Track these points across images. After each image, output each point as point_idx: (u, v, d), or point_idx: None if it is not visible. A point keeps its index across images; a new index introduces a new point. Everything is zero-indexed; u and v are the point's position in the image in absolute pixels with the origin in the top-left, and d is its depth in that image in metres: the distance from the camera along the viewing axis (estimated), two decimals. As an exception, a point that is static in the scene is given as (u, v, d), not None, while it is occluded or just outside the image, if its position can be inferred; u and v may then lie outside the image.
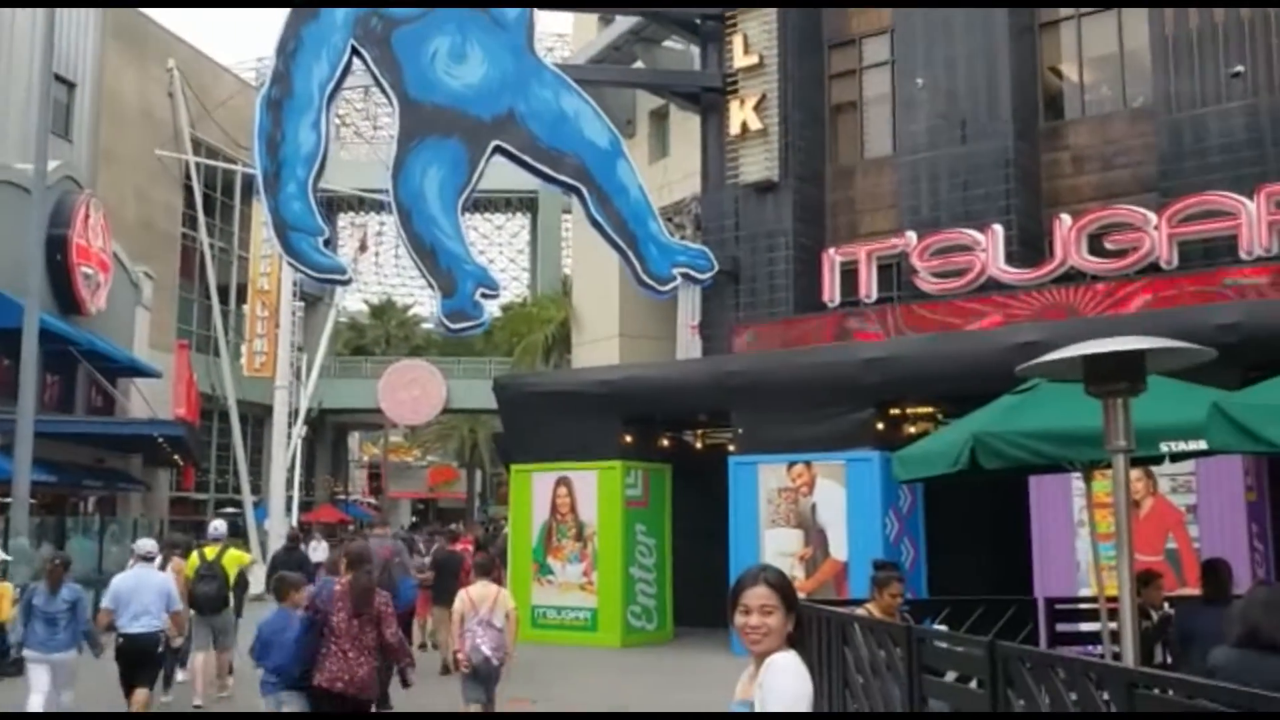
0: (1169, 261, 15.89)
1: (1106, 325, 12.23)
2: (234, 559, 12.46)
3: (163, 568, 11.13)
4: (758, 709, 3.18)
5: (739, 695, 3.33)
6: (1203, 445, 5.74)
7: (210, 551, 12.10)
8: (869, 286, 19.08)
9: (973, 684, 5.56)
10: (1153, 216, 16.08)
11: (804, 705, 3.16)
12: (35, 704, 8.97)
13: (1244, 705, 3.80)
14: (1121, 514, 5.38)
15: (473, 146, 19.04)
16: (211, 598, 11.65)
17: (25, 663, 9.51)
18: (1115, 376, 5.27)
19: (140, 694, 9.50)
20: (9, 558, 12.03)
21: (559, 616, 16.56)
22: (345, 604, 7.17)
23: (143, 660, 9.57)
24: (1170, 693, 4.26)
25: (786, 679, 3.20)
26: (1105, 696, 4.38)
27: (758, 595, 3.25)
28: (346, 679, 7.02)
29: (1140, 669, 4.80)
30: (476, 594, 8.73)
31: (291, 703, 7.28)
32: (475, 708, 8.59)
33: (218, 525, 13.43)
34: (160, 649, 9.93)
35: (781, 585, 3.28)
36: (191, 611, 11.45)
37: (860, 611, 7.04)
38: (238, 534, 27.82)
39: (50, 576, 9.38)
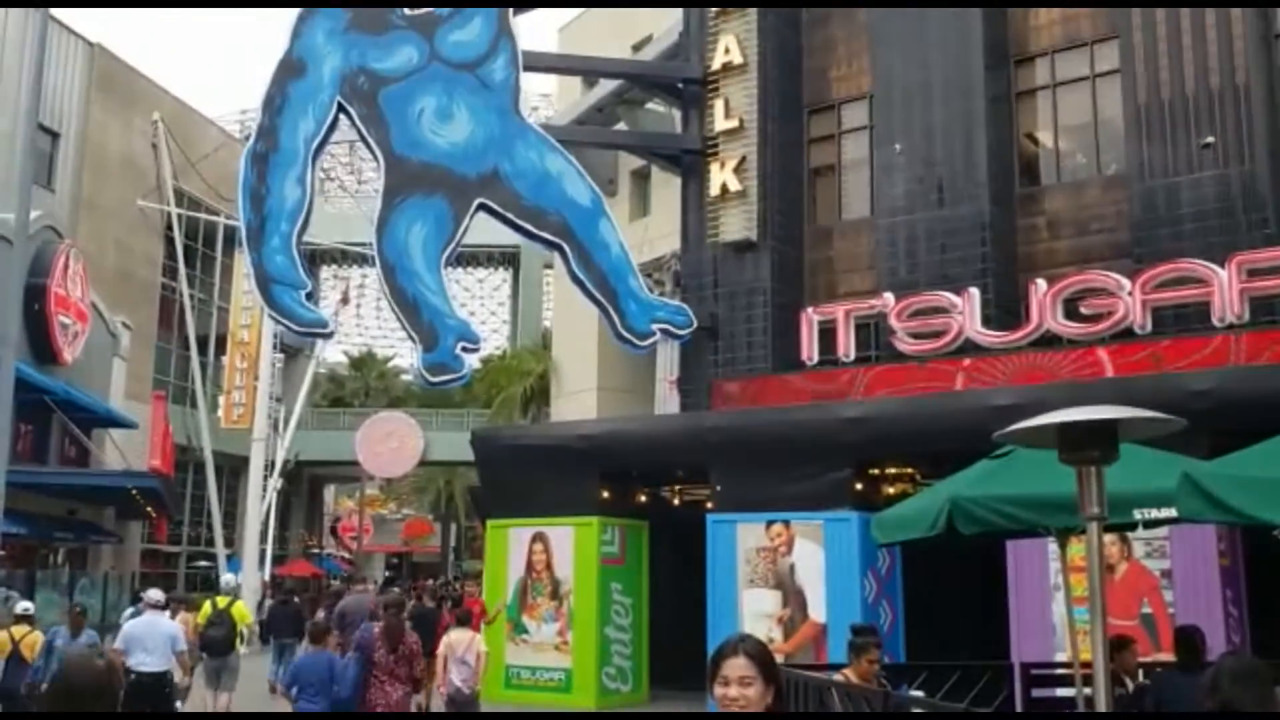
0: (1143, 326, 16.10)
1: (1082, 391, 12.37)
2: (240, 611, 14.15)
3: (173, 617, 12.45)
4: None
5: None
6: (1174, 513, 5.81)
7: (221, 601, 14.00)
8: (847, 346, 19.23)
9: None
10: (1126, 282, 16.31)
11: None
12: None
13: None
14: (1095, 580, 5.42)
15: (457, 204, 19.17)
16: (220, 641, 13.25)
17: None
18: (1088, 445, 5.34)
19: None
20: (31, 606, 12.76)
21: (533, 677, 16.41)
22: (382, 642, 8.92)
23: (152, 697, 10.50)
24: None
25: None
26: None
27: (737, 666, 3.23)
28: (384, 704, 8.74)
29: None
30: (455, 638, 10.92)
31: None
32: None
33: (228, 579, 15.94)
34: (168, 689, 10.99)
35: (760, 656, 3.27)
36: (202, 654, 13.01)
37: (838, 677, 7.05)
38: (210, 587, 27.53)
39: (72, 622, 11.55)
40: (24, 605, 12.60)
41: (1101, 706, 5.30)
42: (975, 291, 17.82)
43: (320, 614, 15.66)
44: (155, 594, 12.46)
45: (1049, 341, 17.02)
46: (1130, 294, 16.17)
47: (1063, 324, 16.83)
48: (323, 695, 8.77)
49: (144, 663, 10.73)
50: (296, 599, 19.27)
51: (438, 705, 11.27)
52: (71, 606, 12.66)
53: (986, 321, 17.67)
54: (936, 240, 18.89)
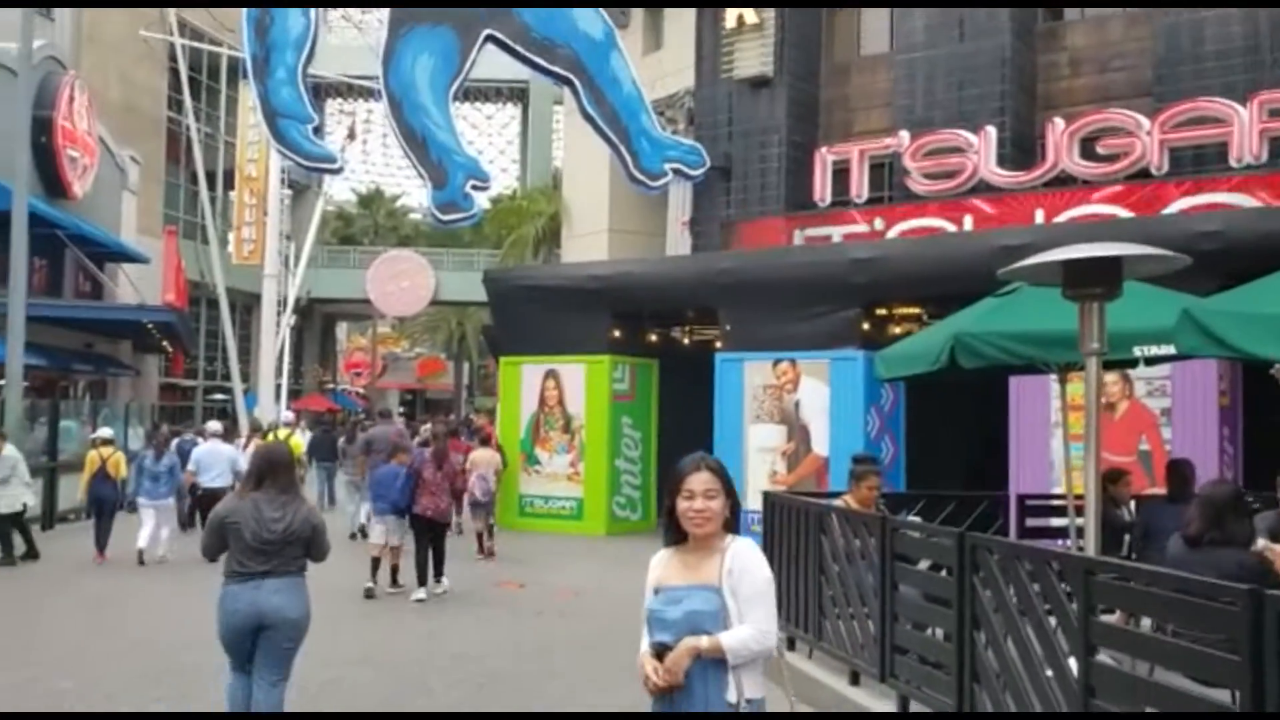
0: (1159, 167, 15.94)
1: (1091, 230, 12.33)
2: (295, 442, 16.11)
3: (246, 446, 15.32)
4: (731, 592, 3.27)
5: (681, 580, 3.32)
6: (1173, 349, 5.92)
7: (282, 433, 16.49)
8: (860, 186, 19.09)
9: (942, 572, 5.84)
10: (1145, 121, 16.06)
11: (772, 587, 3.34)
12: (143, 537, 12.80)
13: (1191, 591, 4.06)
14: (1091, 414, 5.58)
15: (464, 35, 18.77)
16: None
17: (138, 507, 13.28)
18: (1092, 281, 5.42)
19: None
20: (110, 431, 14.91)
21: (546, 505, 16.95)
22: (431, 462, 11.15)
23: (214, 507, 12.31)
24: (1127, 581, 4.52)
25: (759, 561, 3.35)
26: (1066, 588, 4.64)
27: (701, 480, 3.32)
28: (433, 509, 11.02)
29: (1097, 558, 5.05)
30: (477, 457, 14.15)
31: (391, 522, 11.16)
32: (479, 525, 14.04)
33: (286, 414, 19.54)
34: None
35: (721, 471, 3.38)
36: None
37: (838, 503, 7.29)
38: (228, 418, 28.14)
39: (156, 447, 13.70)
40: (105, 431, 14.85)
41: (1091, 533, 5.53)
42: (992, 130, 17.57)
43: (356, 440, 16.82)
44: (215, 425, 15.81)
45: (1063, 182, 16.88)
46: (1149, 133, 15.94)
47: (1079, 164, 16.65)
48: (387, 499, 11.07)
49: (211, 480, 13.61)
50: (331, 431, 21.84)
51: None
52: (156, 433, 15.58)
53: (1001, 161, 17.48)
54: (955, 76, 18.51)
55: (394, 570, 11.34)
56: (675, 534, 3.40)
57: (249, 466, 5.92)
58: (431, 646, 8.76)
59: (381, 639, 9.01)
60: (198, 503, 14.02)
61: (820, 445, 14.61)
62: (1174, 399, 11.61)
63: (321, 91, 44.10)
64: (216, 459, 13.94)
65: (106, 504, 13.40)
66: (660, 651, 3.24)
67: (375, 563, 11.26)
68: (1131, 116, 16.30)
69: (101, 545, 13.18)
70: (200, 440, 15.76)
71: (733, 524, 3.38)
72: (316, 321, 50.12)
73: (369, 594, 10.93)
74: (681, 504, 3.33)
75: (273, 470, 5.58)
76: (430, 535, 11.08)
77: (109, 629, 9.41)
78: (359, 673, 7.67)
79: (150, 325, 27.24)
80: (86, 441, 16.27)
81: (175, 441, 15.76)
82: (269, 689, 5.39)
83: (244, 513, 5.44)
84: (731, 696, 3.24)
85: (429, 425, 16.85)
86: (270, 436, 15.30)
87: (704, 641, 3.20)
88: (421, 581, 10.91)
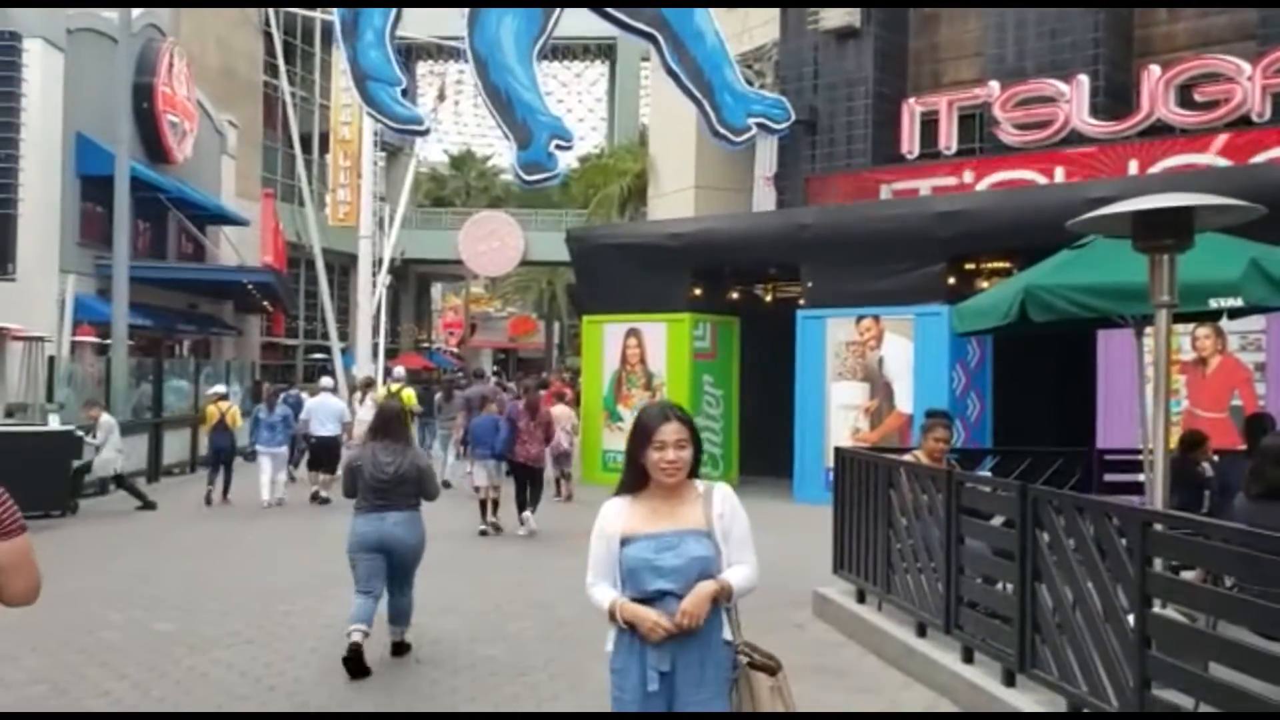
0: (1261, 114, 15.34)
1: (1181, 181, 11.96)
2: (408, 396, 16.81)
3: (362, 400, 16.98)
4: (722, 534, 3.33)
5: (664, 527, 3.31)
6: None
7: (394, 388, 17.31)
8: (949, 138, 18.75)
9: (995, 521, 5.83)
10: (1247, 66, 15.44)
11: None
12: (265, 483, 14.40)
13: (1250, 545, 4.01)
14: (1160, 368, 5.50)
15: (549, -7, 18.81)
16: None
17: (257, 455, 15.03)
18: (1162, 233, 5.31)
19: (324, 476, 14.73)
20: (224, 388, 16.66)
21: (629, 461, 17.13)
22: (525, 414, 12.52)
23: (325, 454, 15.03)
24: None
25: (738, 503, 3.43)
26: (1124, 542, 4.61)
27: (673, 431, 3.33)
28: (527, 456, 12.36)
29: (1153, 510, 5.00)
30: (558, 412, 14.69)
31: (491, 466, 12.50)
32: (556, 472, 14.89)
33: (399, 371, 19.77)
34: (337, 446, 15.00)
35: (689, 420, 3.41)
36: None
37: (908, 457, 7.29)
38: (329, 375, 28.95)
39: (268, 401, 15.48)
40: (219, 388, 16.47)
41: (1158, 486, 5.46)
42: (1084, 79, 17.08)
43: (453, 397, 17.65)
44: (326, 380, 17.85)
45: (1158, 131, 16.35)
46: (1250, 79, 15.34)
47: (1175, 112, 16.11)
48: (487, 446, 12.47)
49: (321, 429, 15.12)
50: (430, 388, 23.10)
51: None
52: (267, 392, 17.40)
53: (1094, 111, 16.99)
54: (1047, 24, 18.00)
55: (494, 506, 12.57)
56: (637, 483, 3.40)
57: (371, 421, 7.42)
58: (514, 595, 9.03)
59: (469, 589, 9.25)
60: (311, 450, 15.62)
61: (904, 402, 14.51)
62: (1269, 353, 11.27)
63: (412, 54, 44.59)
64: (327, 411, 15.43)
65: (224, 452, 14.95)
66: (652, 599, 3.23)
67: (483, 505, 12.57)
68: (1232, 62, 15.69)
69: (225, 489, 14.80)
70: (305, 396, 17.62)
71: (695, 469, 3.41)
72: (412, 282, 51.01)
73: (483, 533, 12.28)
74: (654, 455, 3.33)
75: (385, 424, 6.98)
76: (527, 478, 12.52)
77: (214, 573, 9.90)
78: (442, 621, 7.90)
79: (250, 286, 28.12)
80: (203, 397, 17.80)
81: (282, 395, 17.24)
82: (399, 597, 6.88)
83: (365, 458, 6.79)
84: (728, 635, 3.32)
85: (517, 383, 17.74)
86: (384, 392, 17.11)
87: (718, 585, 3.24)
88: (521, 513, 12.37)
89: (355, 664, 6.37)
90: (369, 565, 6.61)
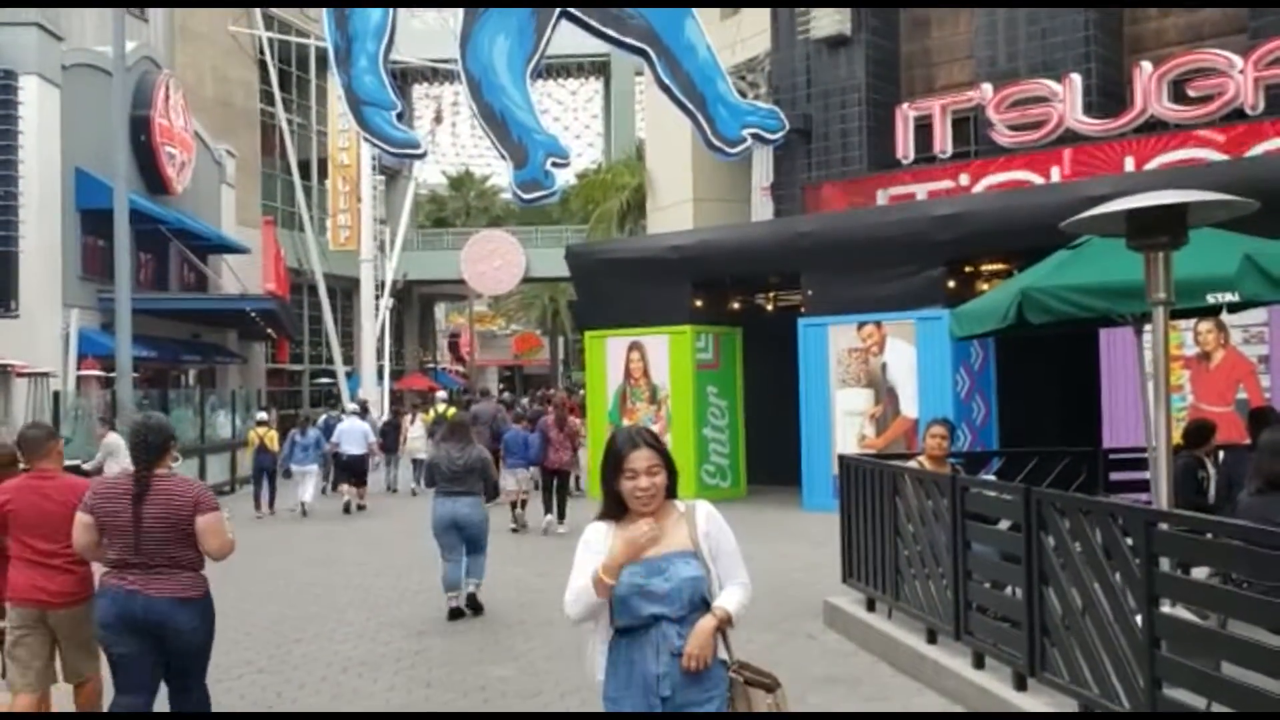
0: (1254, 107, 15.34)
1: (1179, 177, 11.96)
2: (451, 413, 17.10)
3: (412, 421, 20.44)
4: (710, 553, 3.27)
5: (654, 550, 3.20)
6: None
7: (441, 408, 19.96)
8: (944, 141, 18.77)
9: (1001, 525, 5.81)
10: (1238, 60, 15.45)
11: None
12: (304, 493, 16.42)
13: (1253, 540, 4.00)
14: (1159, 365, 5.50)
15: (539, 12, 18.89)
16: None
17: (292, 472, 16.75)
18: (1156, 230, 5.31)
19: (352, 490, 17.00)
20: (265, 416, 18.47)
21: (636, 475, 17.10)
22: (555, 426, 14.22)
23: (354, 470, 17.15)
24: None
25: (722, 520, 3.38)
26: (1130, 542, 4.60)
27: (643, 458, 3.25)
28: (558, 461, 14.05)
29: (1157, 509, 4.99)
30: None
31: (521, 474, 14.26)
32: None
33: (442, 394, 23.24)
34: (364, 465, 17.25)
35: (659, 444, 3.33)
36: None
37: (912, 464, 7.29)
38: (333, 399, 28.99)
39: (301, 426, 17.20)
40: (261, 414, 18.52)
41: (1161, 483, 5.45)
42: (1077, 78, 17.10)
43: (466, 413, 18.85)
44: (354, 404, 20.39)
45: (1153, 127, 16.36)
46: (1242, 72, 15.34)
47: (1169, 108, 16.12)
48: (519, 456, 14.20)
49: (350, 449, 17.12)
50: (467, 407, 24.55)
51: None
52: (301, 417, 18.85)
53: (1088, 109, 17.01)
54: (1037, 24, 18.02)
55: (521, 504, 14.27)
56: (616, 510, 3.31)
57: (441, 430, 10.40)
58: (544, 583, 9.87)
59: (491, 582, 9.57)
60: (340, 467, 17.75)
61: (909, 407, 14.50)
62: (1272, 345, 11.25)
63: (408, 77, 44.80)
64: (355, 433, 17.39)
65: (266, 470, 16.88)
66: (647, 625, 3.17)
67: (513, 506, 14.24)
68: (1224, 56, 15.70)
69: (270, 501, 16.76)
70: (343, 417, 19.71)
71: (673, 490, 3.35)
72: (414, 303, 51.11)
73: (515, 530, 13.99)
74: (626, 484, 3.25)
75: (453, 430, 9.26)
76: (556, 482, 14.21)
77: (263, 575, 10.88)
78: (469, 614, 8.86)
79: (253, 313, 28.15)
80: (216, 425, 20.70)
81: (322, 419, 19.92)
82: (475, 561, 8.91)
83: (439, 455, 8.97)
84: (724, 655, 3.27)
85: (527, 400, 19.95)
86: (431, 414, 20.30)
87: (716, 619, 3.18)
88: (547, 512, 14.14)
89: (457, 614, 8.59)
90: (448, 539, 8.73)
